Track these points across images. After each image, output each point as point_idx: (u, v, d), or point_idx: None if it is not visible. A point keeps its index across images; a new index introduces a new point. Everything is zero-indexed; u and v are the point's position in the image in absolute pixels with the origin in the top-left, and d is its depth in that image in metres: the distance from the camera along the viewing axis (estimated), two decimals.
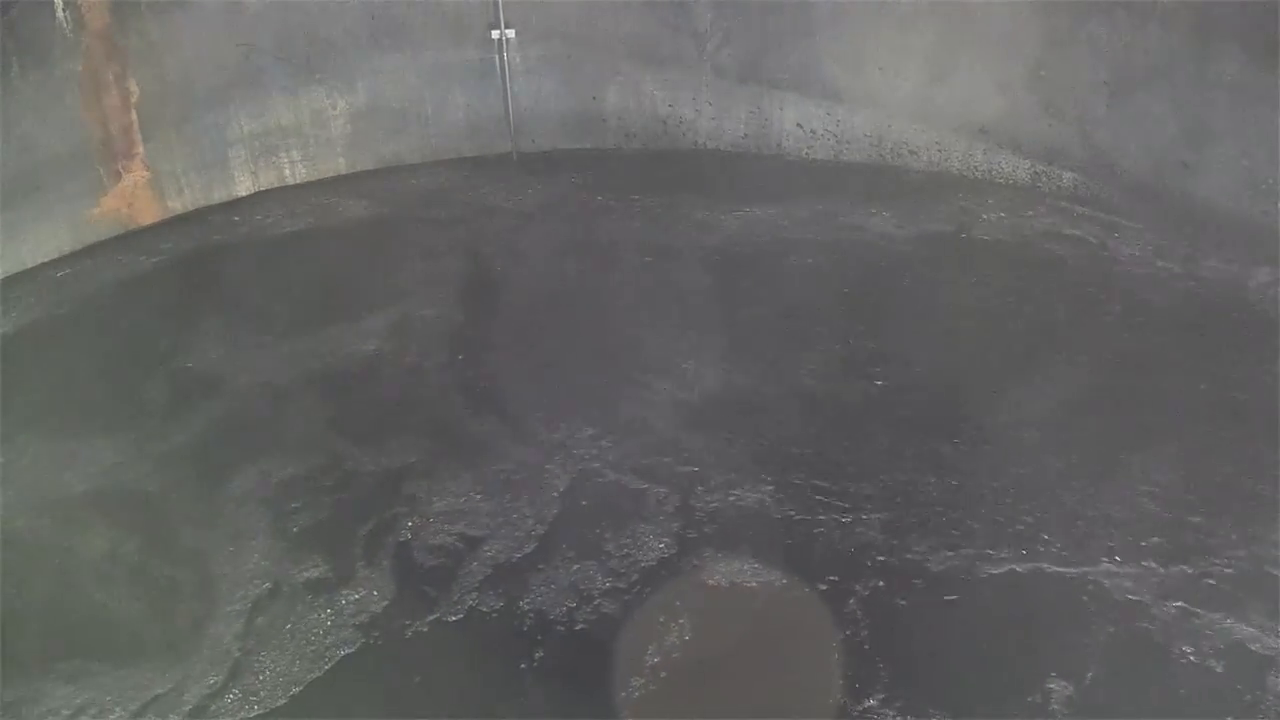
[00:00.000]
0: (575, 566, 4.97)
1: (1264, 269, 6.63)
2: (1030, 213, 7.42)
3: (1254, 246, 6.67)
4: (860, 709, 4.36)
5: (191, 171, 7.70)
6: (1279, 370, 5.94)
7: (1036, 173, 7.60)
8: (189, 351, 6.39)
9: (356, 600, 4.85)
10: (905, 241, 7.23)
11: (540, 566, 4.98)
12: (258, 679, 4.51)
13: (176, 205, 7.72)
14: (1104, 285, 6.74)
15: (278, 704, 4.42)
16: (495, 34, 7.98)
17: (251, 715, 4.38)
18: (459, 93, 8.26)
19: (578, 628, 4.68)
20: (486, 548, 5.09)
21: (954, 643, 4.67)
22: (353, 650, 4.62)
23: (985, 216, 7.42)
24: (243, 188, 7.95)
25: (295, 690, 4.47)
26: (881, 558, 5.03)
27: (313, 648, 4.64)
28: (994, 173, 7.75)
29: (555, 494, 5.36)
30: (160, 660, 4.60)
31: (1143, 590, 4.84)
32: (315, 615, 4.78)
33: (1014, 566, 4.98)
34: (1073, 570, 4.93)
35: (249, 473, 5.52)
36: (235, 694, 4.46)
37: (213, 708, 4.40)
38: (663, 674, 4.50)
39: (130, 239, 7.48)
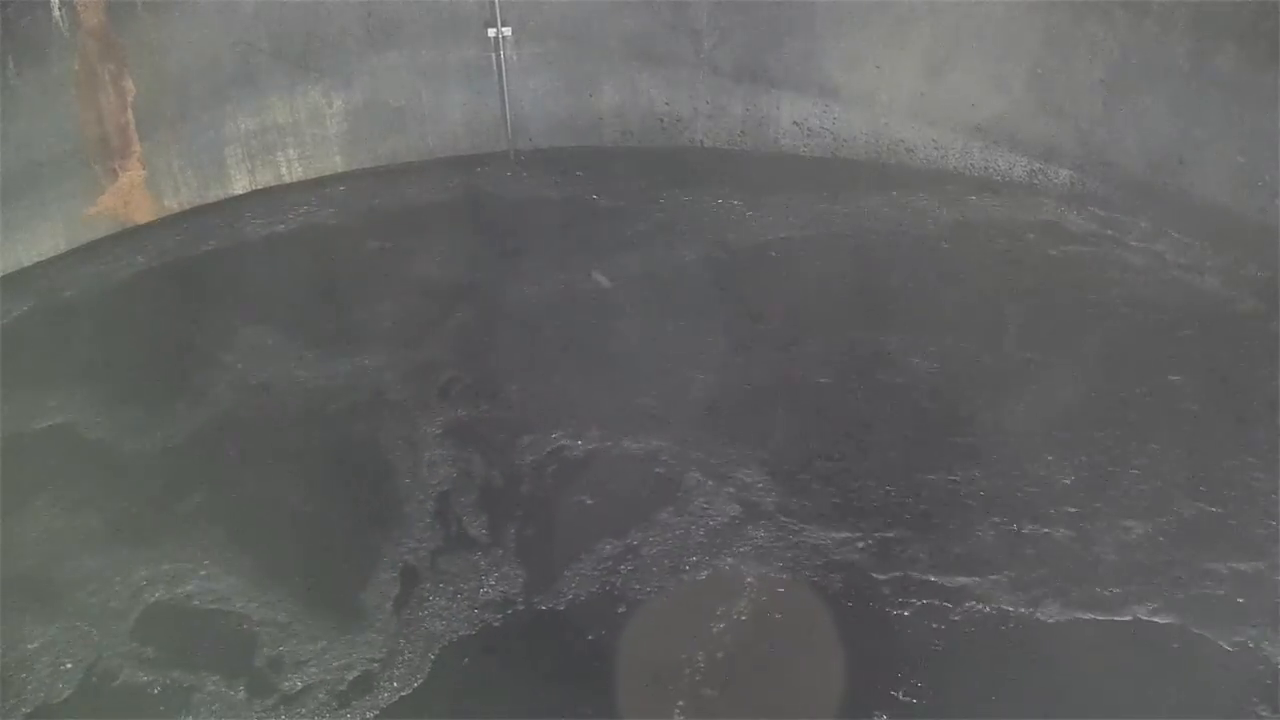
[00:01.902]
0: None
1: (1261, 265, 6.66)
2: (1027, 211, 7.43)
3: (1251, 243, 6.70)
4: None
5: (188, 170, 7.67)
6: (1278, 367, 5.97)
7: (1034, 170, 7.62)
8: None
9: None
10: (902, 240, 7.24)
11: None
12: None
13: (173, 204, 7.70)
14: (1101, 282, 6.76)
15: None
16: (492, 32, 7.96)
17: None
18: (456, 91, 8.23)
19: None
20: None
21: (953, 651, 4.70)
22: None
23: (982, 215, 7.43)
24: (239, 186, 7.92)
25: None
26: (879, 566, 5.06)
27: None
28: (991, 171, 7.76)
29: None
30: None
31: (1146, 594, 4.87)
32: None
33: (1015, 573, 5.01)
34: (1078, 583, 4.96)
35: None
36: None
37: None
38: None
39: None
